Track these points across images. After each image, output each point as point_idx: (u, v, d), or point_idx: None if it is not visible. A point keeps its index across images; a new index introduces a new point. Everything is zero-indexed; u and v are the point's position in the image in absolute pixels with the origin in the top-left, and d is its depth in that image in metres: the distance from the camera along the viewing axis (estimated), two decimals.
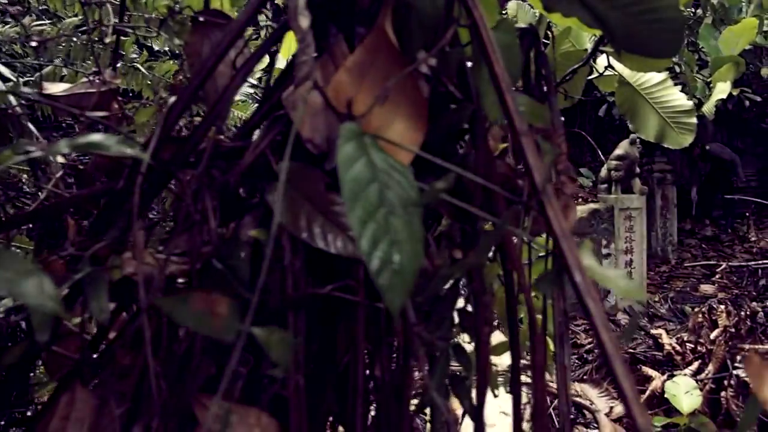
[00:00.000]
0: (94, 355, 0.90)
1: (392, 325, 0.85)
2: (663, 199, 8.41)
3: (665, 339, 3.51)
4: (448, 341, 0.92)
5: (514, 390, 1.00)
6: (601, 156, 6.73)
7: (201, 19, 0.90)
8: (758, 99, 6.62)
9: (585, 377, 3.83)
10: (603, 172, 6.10)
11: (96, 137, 0.55)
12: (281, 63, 1.12)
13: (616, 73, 2.40)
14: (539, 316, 1.18)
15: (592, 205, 5.96)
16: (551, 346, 1.27)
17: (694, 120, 2.58)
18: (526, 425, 1.04)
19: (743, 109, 11.44)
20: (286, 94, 0.74)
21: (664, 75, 2.46)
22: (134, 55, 2.68)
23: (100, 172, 0.87)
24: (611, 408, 3.38)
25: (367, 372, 0.89)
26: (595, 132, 8.85)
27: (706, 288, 6.52)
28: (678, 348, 3.45)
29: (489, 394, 1.15)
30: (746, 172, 11.54)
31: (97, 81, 1.28)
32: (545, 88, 1.06)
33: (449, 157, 0.85)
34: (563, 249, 0.52)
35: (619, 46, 1.02)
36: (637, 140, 6.06)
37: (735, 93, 6.64)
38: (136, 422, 0.80)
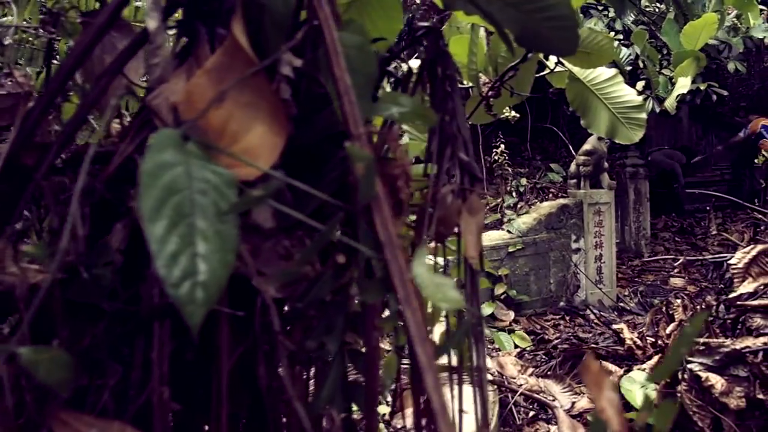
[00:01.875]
0: None
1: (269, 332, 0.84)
2: (636, 193, 8.46)
3: (626, 333, 3.53)
4: (342, 347, 0.90)
5: (415, 393, 0.99)
6: (573, 151, 6.76)
7: (81, 20, 0.87)
8: (725, 93, 6.67)
9: (549, 372, 3.84)
10: (572, 167, 6.12)
11: None
12: None
13: (567, 69, 2.39)
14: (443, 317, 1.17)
15: (562, 201, 5.98)
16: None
17: (644, 115, 2.58)
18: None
19: (718, 103, 11.61)
20: (150, 98, 0.72)
21: (614, 71, 2.46)
22: None
23: None
24: (573, 403, 3.39)
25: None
26: (569, 127, 8.88)
27: (676, 281, 6.58)
28: (639, 342, 3.46)
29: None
30: (720, 165, 11.73)
31: (9, 83, 1.25)
32: (449, 88, 1.05)
33: (327, 158, 0.83)
34: (386, 256, 0.50)
35: (518, 44, 1.01)
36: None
37: (703, 87, 6.69)
38: None
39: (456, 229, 1.01)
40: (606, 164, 6.08)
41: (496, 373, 3.38)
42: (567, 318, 5.54)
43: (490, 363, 3.38)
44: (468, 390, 2.80)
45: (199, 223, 0.48)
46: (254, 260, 0.73)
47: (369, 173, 0.50)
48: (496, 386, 3.14)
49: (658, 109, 6.15)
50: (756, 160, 6.98)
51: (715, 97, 6.73)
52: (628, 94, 2.57)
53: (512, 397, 3.30)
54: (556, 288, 5.86)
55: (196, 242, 0.47)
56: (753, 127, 9.41)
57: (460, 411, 1.00)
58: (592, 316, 5.58)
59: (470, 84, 2.04)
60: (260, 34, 0.68)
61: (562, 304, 5.84)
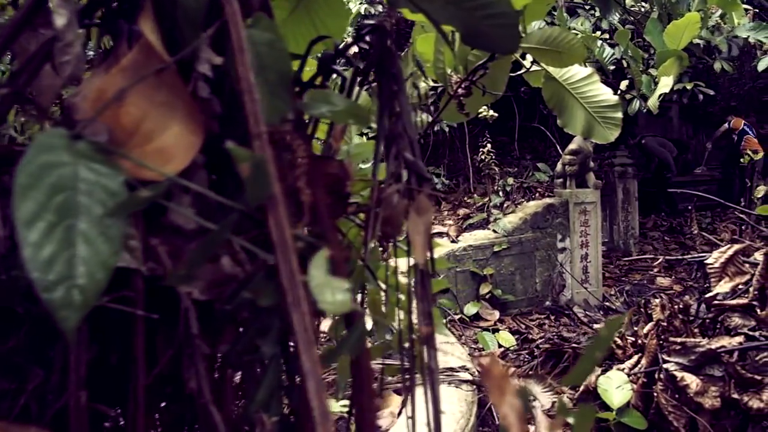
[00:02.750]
0: None
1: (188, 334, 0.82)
2: (624, 192, 8.48)
3: None
4: (277, 350, 0.89)
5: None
6: (561, 150, 6.76)
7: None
8: (711, 93, 6.68)
9: (530, 372, 3.83)
10: (558, 166, 6.12)
11: None
12: None
13: (543, 68, 2.38)
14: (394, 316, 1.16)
15: (547, 200, 5.98)
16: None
17: (620, 114, 2.57)
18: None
19: (708, 103, 11.63)
20: (70, 96, 0.70)
21: (589, 69, 2.45)
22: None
23: None
24: (553, 403, 3.39)
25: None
26: (557, 126, 8.87)
27: (663, 281, 6.59)
28: (619, 342, 3.46)
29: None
30: (711, 164, 11.75)
31: None
32: (395, 87, 1.04)
33: None
34: (277, 258, 0.49)
35: (462, 42, 1.00)
36: None
37: (689, 87, 6.70)
38: None
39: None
40: (592, 163, 6.08)
41: (476, 373, 3.37)
42: (552, 317, 5.53)
43: (470, 363, 3.37)
44: (444, 390, 2.78)
45: (81, 225, 0.47)
46: (177, 262, 0.72)
47: (259, 174, 0.49)
48: (475, 386, 3.13)
49: (644, 109, 6.15)
50: (741, 159, 6.99)
51: (701, 97, 6.74)
52: (604, 93, 2.56)
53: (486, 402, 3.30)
54: (541, 287, 5.86)
55: (76, 244, 0.46)
56: (735, 124, 9.50)
57: (413, 414, 0.99)
58: (577, 316, 5.59)
59: (439, 83, 2.03)
60: (176, 31, 0.67)
61: (547, 303, 5.84)
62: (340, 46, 1.08)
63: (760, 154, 7.25)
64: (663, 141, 10.28)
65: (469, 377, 3.16)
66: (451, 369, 3.23)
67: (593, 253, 6.00)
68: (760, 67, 6.17)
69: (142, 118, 0.66)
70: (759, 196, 5.99)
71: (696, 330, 3.23)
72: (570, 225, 5.89)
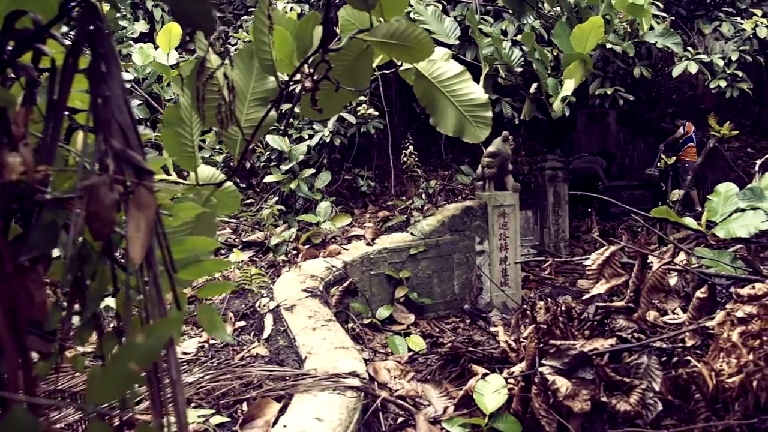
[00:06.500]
0: None
1: None
2: (555, 195, 8.56)
3: (501, 336, 3.49)
4: None
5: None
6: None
7: None
8: (631, 98, 6.77)
9: (429, 377, 3.77)
10: (478, 169, 6.11)
11: None
12: None
13: (413, 65, 2.32)
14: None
15: (467, 203, 5.96)
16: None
17: (490, 114, 2.53)
18: None
19: (646, 109, 11.87)
20: None
21: (461, 67, 2.40)
22: None
23: None
24: (445, 408, 3.33)
25: None
26: None
27: (583, 282, 6.64)
28: (513, 345, 3.43)
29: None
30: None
31: None
32: (104, 68, 0.95)
33: None
34: None
35: (176, 21, 0.91)
36: (510, 137, 6.10)
37: (609, 92, 6.77)
38: None
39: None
40: (510, 166, 6.09)
41: (367, 379, 3.29)
42: (468, 321, 5.50)
43: (361, 369, 3.28)
44: (327, 397, 2.64)
45: None
46: None
47: None
48: (360, 392, 3.04)
49: (567, 112, 6.18)
50: (658, 164, 7.10)
51: (621, 102, 6.82)
52: (475, 92, 2.50)
53: (379, 404, 3.22)
54: (460, 290, 5.82)
55: None
56: (688, 128, 9.82)
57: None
58: (494, 319, 5.57)
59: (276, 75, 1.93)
60: None
61: (466, 306, 5.81)
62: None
63: (672, 159, 7.40)
64: (590, 158, 10.82)
65: (357, 383, 3.07)
66: (337, 375, 3.14)
67: (512, 255, 6.00)
68: (675, 73, 6.28)
69: None
70: (674, 199, 6.09)
71: (587, 332, 3.21)
72: (489, 228, 5.88)
